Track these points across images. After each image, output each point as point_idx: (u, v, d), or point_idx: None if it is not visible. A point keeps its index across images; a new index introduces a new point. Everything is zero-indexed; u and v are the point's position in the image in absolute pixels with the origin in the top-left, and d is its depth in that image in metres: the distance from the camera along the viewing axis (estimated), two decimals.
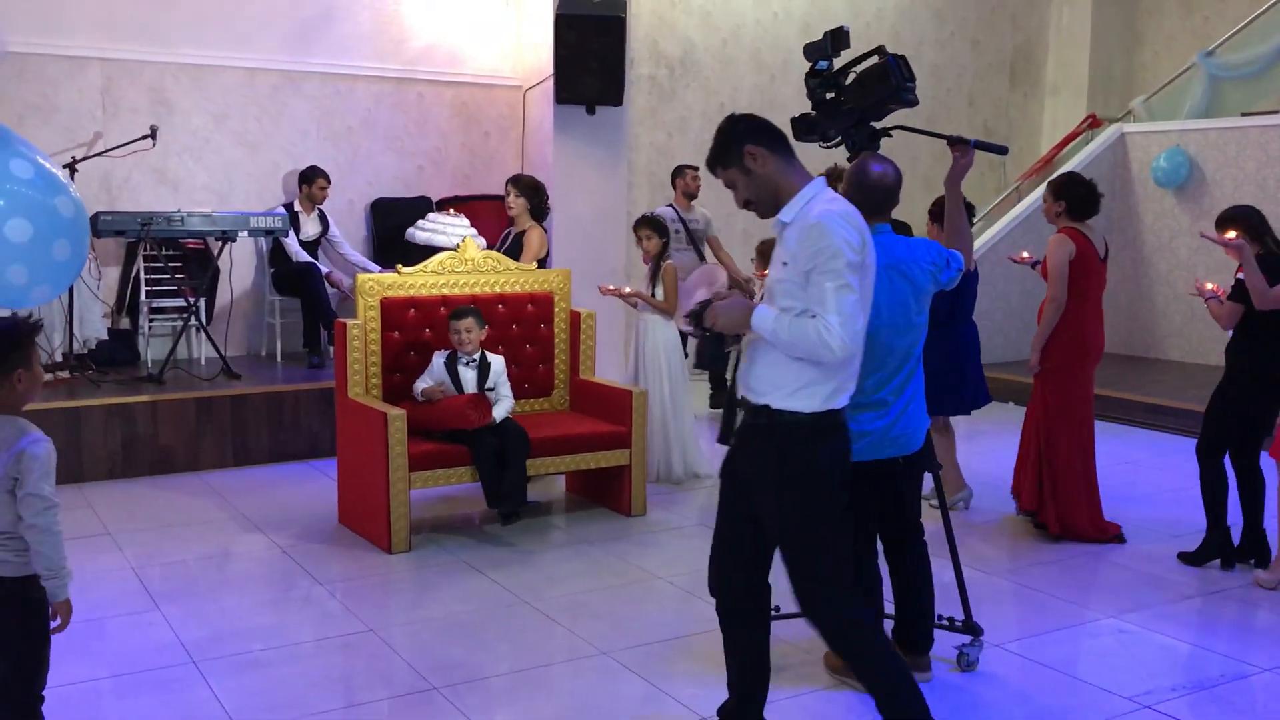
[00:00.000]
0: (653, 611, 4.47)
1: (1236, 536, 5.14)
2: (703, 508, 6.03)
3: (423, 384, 5.48)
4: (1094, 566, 5.15)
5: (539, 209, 6.56)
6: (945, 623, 4.04)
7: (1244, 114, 10.02)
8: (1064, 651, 4.17)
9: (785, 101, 10.54)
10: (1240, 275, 4.90)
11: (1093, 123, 11.40)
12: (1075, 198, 5.43)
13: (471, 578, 4.89)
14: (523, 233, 6.52)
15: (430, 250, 6.99)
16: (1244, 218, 5.04)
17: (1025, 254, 6.06)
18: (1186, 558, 5.18)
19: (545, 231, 6.62)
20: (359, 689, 3.82)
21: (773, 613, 4.08)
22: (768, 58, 10.60)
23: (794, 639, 4.17)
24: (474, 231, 7.26)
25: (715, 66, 10.37)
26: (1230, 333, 5.09)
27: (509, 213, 6.65)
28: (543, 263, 6.53)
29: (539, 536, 5.37)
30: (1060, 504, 5.44)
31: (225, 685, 3.78)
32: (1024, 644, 4.20)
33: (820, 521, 3.05)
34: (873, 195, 3.66)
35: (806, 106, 4.22)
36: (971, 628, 4.03)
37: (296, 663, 4.01)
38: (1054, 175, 5.63)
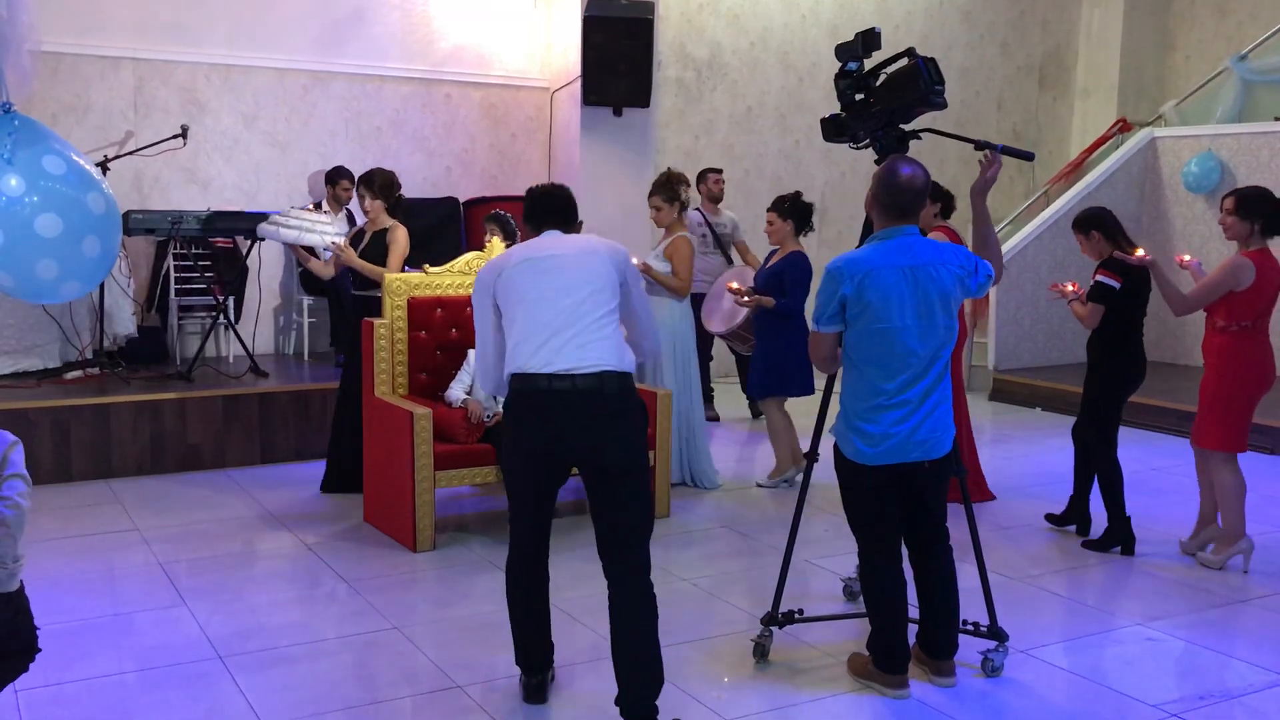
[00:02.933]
0: (675, 613, 4.47)
1: (1064, 505, 5.66)
2: (727, 510, 6.03)
3: (460, 388, 5.50)
4: (1121, 573, 5.11)
5: (395, 206, 6.22)
6: (970, 628, 4.02)
7: (1277, 118, 9.92)
8: (1090, 658, 4.14)
9: (812, 104, 10.53)
10: (1100, 277, 5.23)
11: (1123, 127, 11.32)
12: (940, 195, 5.88)
13: (496, 576, 4.89)
14: (383, 231, 6.14)
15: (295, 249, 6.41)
16: (1098, 219, 5.35)
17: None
18: (1090, 545, 5.44)
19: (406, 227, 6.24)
20: (383, 686, 3.84)
21: (796, 615, 4.10)
22: (795, 60, 10.58)
23: (817, 643, 4.16)
24: (338, 229, 6.54)
25: (743, 69, 10.36)
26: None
27: (367, 216, 6.25)
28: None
29: (562, 536, 5.36)
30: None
31: (251, 681, 3.81)
32: (1050, 650, 4.17)
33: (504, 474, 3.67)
34: (900, 197, 3.65)
35: (834, 109, 4.21)
36: (997, 633, 4.00)
37: (321, 659, 4.03)
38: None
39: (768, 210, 6.39)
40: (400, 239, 6.02)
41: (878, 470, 3.67)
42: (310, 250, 6.33)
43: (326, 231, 6.12)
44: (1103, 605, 4.69)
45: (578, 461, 3.46)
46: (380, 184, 6.11)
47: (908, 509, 3.79)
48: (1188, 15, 11.92)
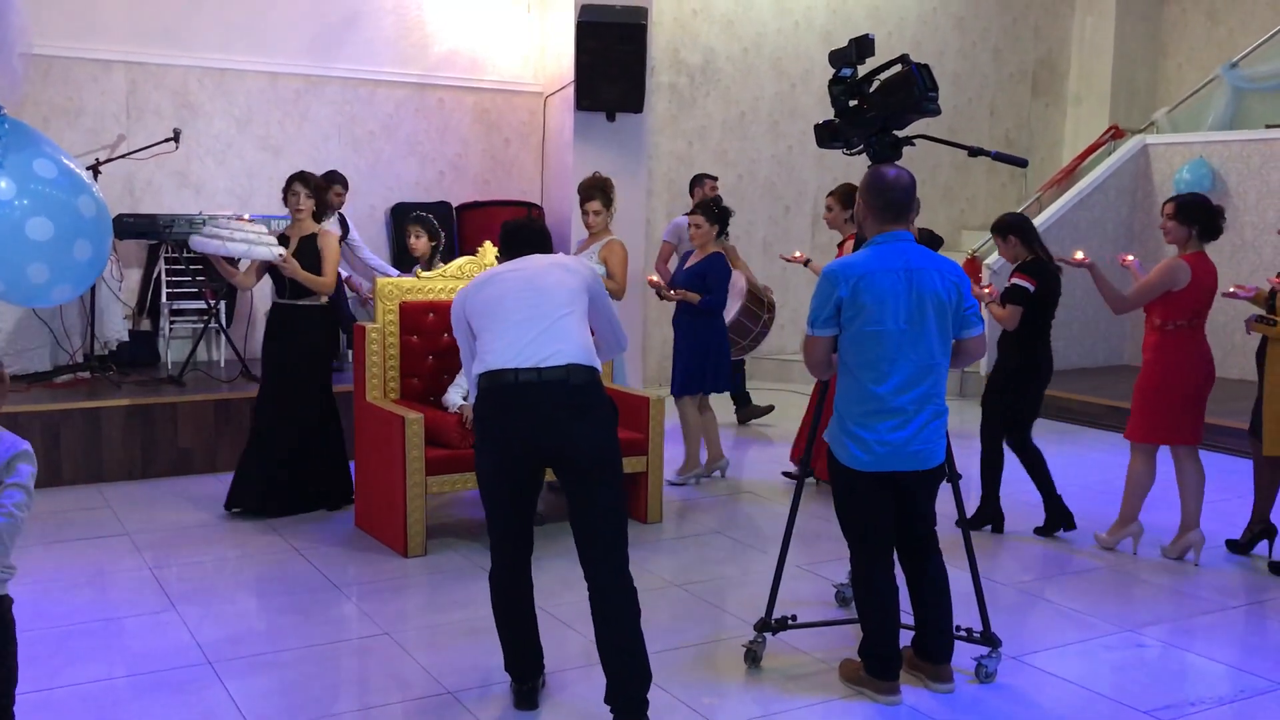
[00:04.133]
0: (668, 619, 4.46)
1: (1030, 510, 5.82)
2: (719, 515, 6.02)
3: (457, 393, 5.50)
4: (1112, 579, 5.12)
5: (322, 211, 5.94)
6: (963, 634, 4.02)
7: (1268, 126, 9.96)
8: (1081, 665, 4.14)
9: (805, 110, 10.54)
10: (1016, 280, 5.52)
11: (1115, 134, 11.35)
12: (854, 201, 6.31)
13: (487, 582, 4.88)
14: (311, 237, 5.77)
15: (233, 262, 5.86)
16: (1017, 225, 5.65)
17: (798, 253, 7.00)
18: (964, 522, 5.55)
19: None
20: (374, 692, 3.83)
21: (789, 621, 4.10)
22: (788, 66, 10.59)
23: (810, 649, 4.16)
24: (274, 240, 5.85)
25: (736, 75, 10.37)
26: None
27: (296, 216, 5.82)
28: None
29: (554, 542, 5.37)
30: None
31: (241, 686, 3.79)
32: (1041, 656, 4.17)
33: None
34: (891, 194, 3.67)
35: (827, 114, 4.23)
36: (990, 639, 4.01)
37: (312, 665, 4.02)
38: (837, 186, 6.68)
39: (692, 214, 6.66)
40: (333, 245, 5.78)
41: (871, 476, 3.67)
42: (234, 262, 5.91)
43: (273, 243, 5.70)
44: (1094, 611, 4.69)
45: (549, 459, 3.47)
46: (317, 184, 5.86)
47: (900, 515, 3.79)
48: (1179, 23, 11.96)
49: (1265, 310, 5.22)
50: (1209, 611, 4.71)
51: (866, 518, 3.75)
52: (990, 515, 5.79)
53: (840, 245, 6.54)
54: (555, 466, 3.49)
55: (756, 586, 4.76)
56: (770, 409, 8.52)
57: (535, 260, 3.71)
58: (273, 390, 5.85)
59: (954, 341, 3.74)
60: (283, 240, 5.85)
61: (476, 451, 3.57)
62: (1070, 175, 11.27)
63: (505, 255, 3.83)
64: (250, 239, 5.66)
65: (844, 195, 6.44)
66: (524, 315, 3.51)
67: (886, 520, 3.76)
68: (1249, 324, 5.19)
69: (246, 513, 5.80)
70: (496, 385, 3.43)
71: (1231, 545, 5.48)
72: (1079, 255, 5.45)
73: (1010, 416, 5.70)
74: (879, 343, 3.58)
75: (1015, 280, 5.53)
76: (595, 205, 6.47)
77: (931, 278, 3.62)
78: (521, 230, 3.86)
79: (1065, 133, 12.34)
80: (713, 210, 6.59)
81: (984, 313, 5.52)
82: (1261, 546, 5.40)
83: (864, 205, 3.73)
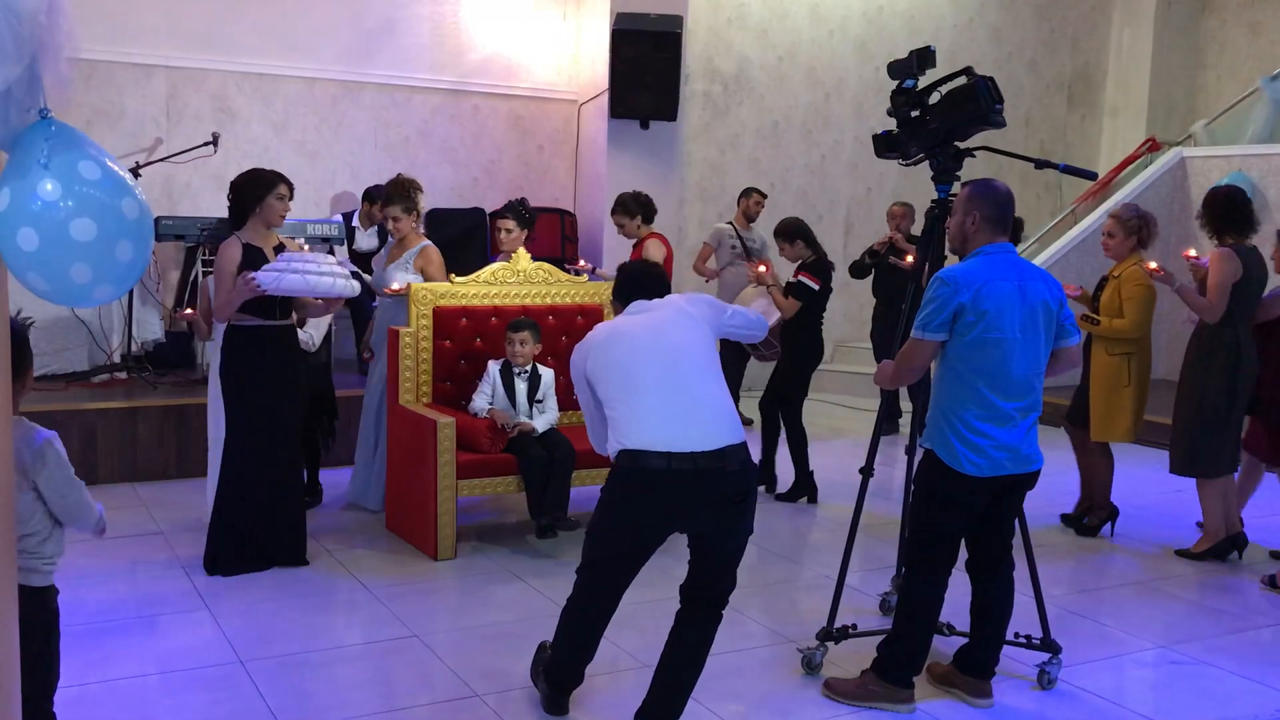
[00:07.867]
0: None
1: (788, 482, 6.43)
2: None
3: (483, 399, 5.51)
4: (1145, 595, 5.07)
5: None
6: (1023, 641, 4.04)
7: None
8: (1113, 681, 4.10)
9: (839, 120, 10.52)
10: (802, 278, 6.27)
11: (1152, 146, 11.25)
12: (640, 206, 7.09)
13: (515, 586, 4.91)
14: (279, 248, 5.10)
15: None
16: (802, 231, 6.40)
17: (581, 261, 7.35)
18: (782, 497, 6.43)
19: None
20: (402, 694, 3.85)
21: (850, 630, 4.15)
22: (822, 76, 10.58)
23: (829, 659, 4.14)
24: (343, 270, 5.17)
25: (769, 84, 10.37)
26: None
27: (279, 222, 5.22)
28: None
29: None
30: None
31: (271, 685, 3.82)
32: (1072, 671, 4.13)
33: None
34: (1007, 208, 3.75)
35: (861, 123, 4.27)
36: (1050, 645, 4.03)
37: (341, 665, 4.04)
38: (620, 198, 7.16)
39: (503, 218, 6.23)
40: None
41: (980, 484, 3.65)
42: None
43: (343, 272, 5.01)
44: (1126, 627, 4.65)
45: (691, 535, 3.43)
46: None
47: (985, 525, 3.79)
48: (1219, 34, 11.86)
49: (1089, 309, 5.72)
50: (1243, 629, 4.66)
51: (958, 527, 3.75)
52: (805, 487, 6.39)
53: (636, 246, 7.07)
54: (694, 539, 3.44)
55: (778, 595, 4.75)
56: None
57: (657, 309, 3.50)
58: (262, 426, 4.97)
59: (1052, 350, 3.78)
60: (256, 252, 5.00)
61: (606, 517, 3.42)
62: (1106, 187, 11.18)
63: (622, 301, 3.63)
64: (338, 271, 4.94)
65: (624, 204, 7.06)
66: (662, 385, 3.31)
67: (965, 531, 3.79)
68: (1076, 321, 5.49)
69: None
70: (642, 469, 3.25)
71: (1066, 519, 6.10)
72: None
73: (785, 393, 6.39)
74: (999, 349, 3.60)
75: (802, 278, 6.28)
76: (394, 211, 5.95)
77: (1040, 288, 3.68)
78: (642, 276, 3.67)
79: (1102, 145, 12.26)
80: (522, 214, 6.28)
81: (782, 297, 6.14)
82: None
83: (979, 218, 3.72)
